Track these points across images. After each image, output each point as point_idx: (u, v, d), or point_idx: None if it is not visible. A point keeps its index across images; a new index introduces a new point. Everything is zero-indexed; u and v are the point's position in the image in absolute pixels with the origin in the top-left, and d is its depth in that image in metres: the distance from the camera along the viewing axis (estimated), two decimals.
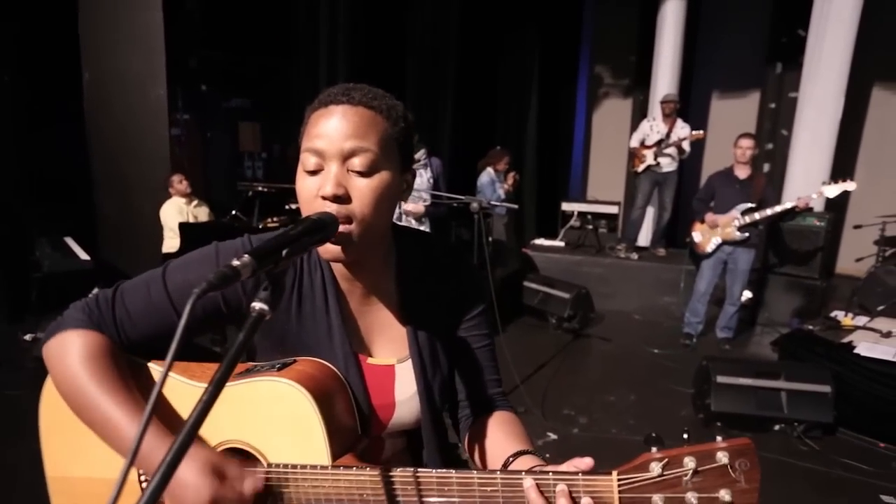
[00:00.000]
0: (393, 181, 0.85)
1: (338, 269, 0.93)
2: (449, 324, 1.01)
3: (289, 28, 6.44)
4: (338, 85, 0.85)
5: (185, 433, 0.52)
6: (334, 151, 0.80)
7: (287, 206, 4.72)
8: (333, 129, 0.80)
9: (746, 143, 4.22)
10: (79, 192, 5.09)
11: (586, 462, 0.74)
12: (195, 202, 4.82)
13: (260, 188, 4.39)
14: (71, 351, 0.83)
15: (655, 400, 3.58)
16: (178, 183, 4.65)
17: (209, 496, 0.77)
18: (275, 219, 4.62)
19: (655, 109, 6.04)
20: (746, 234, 4.19)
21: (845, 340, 3.48)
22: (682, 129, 5.61)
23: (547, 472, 0.74)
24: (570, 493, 0.72)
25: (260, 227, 4.35)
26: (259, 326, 0.62)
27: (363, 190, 0.82)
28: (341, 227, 0.80)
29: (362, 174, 0.82)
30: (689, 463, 0.69)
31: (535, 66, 7.77)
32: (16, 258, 4.57)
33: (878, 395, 3.04)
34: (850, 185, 4.14)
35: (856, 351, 3.28)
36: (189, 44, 6.15)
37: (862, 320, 3.81)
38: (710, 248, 4.35)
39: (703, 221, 4.37)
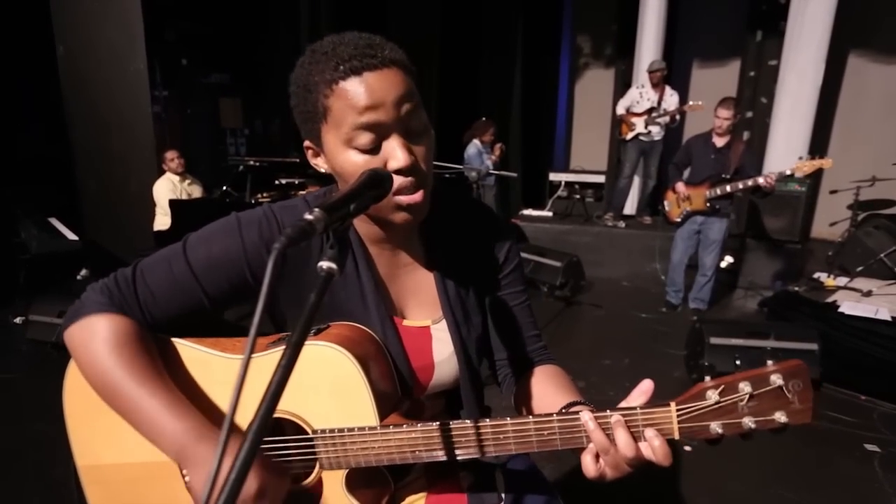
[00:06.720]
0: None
1: (364, 231, 0.89)
2: (482, 281, 0.98)
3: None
4: (347, 44, 0.74)
5: (260, 419, 0.48)
6: (395, 121, 0.74)
7: (277, 181, 4.66)
8: (386, 98, 0.73)
9: (724, 113, 4.00)
10: (60, 172, 4.92)
11: (647, 384, 0.75)
12: (189, 180, 4.73)
13: (252, 162, 4.31)
14: (96, 337, 0.79)
15: (649, 362, 3.68)
16: (171, 161, 4.56)
17: (257, 488, 0.73)
18: (265, 194, 4.56)
19: (641, 77, 6.05)
20: (717, 207, 4.12)
21: (829, 300, 3.63)
22: (671, 97, 5.65)
23: (604, 410, 0.74)
24: (629, 426, 0.72)
25: (252, 202, 4.29)
26: (329, 286, 0.59)
27: (424, 153, 0.78)
28: (416, 197, 0.77)
29: (419, 136, 0.78)
30: (745, 388, 0.70)
31: (519, 35, 7.68)
32: (0, 240, 4.44)
33: (860, 351, 3.18)
34: (826, 163, 3.90)
35: (840, 310, 3.42)
36: (166, 15, 5.91)
37: (843, 281, 3.97)
38: (678, 217, 4.30)
39: (675, 190, 4.28)
